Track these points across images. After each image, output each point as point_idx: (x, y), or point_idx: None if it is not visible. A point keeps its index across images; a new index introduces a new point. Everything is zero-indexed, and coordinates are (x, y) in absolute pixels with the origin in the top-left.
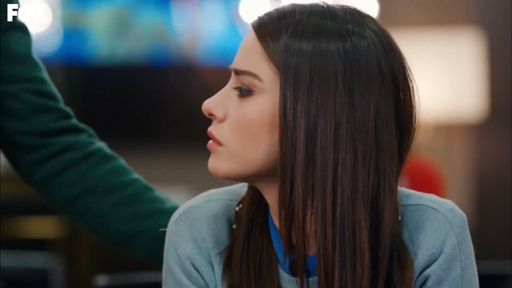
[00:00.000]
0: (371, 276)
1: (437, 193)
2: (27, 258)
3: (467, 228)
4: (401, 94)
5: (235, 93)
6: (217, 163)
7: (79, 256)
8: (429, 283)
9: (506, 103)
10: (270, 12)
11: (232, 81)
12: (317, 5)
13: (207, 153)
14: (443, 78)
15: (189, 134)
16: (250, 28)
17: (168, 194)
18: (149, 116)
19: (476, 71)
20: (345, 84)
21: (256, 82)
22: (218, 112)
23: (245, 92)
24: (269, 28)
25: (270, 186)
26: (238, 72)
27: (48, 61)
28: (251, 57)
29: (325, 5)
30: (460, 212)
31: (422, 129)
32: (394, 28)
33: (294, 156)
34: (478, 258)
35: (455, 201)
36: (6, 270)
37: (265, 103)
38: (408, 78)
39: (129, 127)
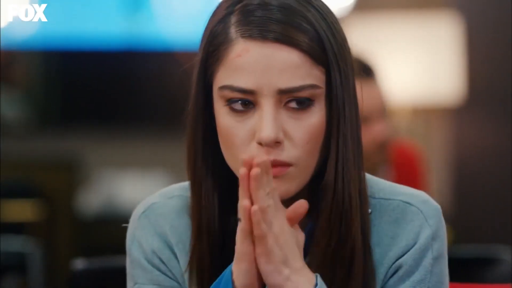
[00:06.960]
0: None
1: (420, 177)
2: (5, 241)
3: (442, 219)
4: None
5: (284, 110)
6: (287, 187)
7: (57, 240)
8: (400, 272)
9: (484, 87)
10: (256, 14)
11: (276, 101)
12: None
13: (184, 138)
14: (421, 62)
15: (166, 119)
16: (263, 41)
17: (145, 178)
18: (127, 101)
19: (454, 55)
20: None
21: (317, 90)
22: (281, 136)
23: (307, 103)
24: (287, 29)
25: None
26: (293, 90)
27: (25, 47)
28: (298, 70)
29: None
30: (434, 203)
31: (400, 113)
32: (371, 11)
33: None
34: (457, 241)
35: (434, 186)
36: None
37: (323, 104)
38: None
39: (107, 112)
